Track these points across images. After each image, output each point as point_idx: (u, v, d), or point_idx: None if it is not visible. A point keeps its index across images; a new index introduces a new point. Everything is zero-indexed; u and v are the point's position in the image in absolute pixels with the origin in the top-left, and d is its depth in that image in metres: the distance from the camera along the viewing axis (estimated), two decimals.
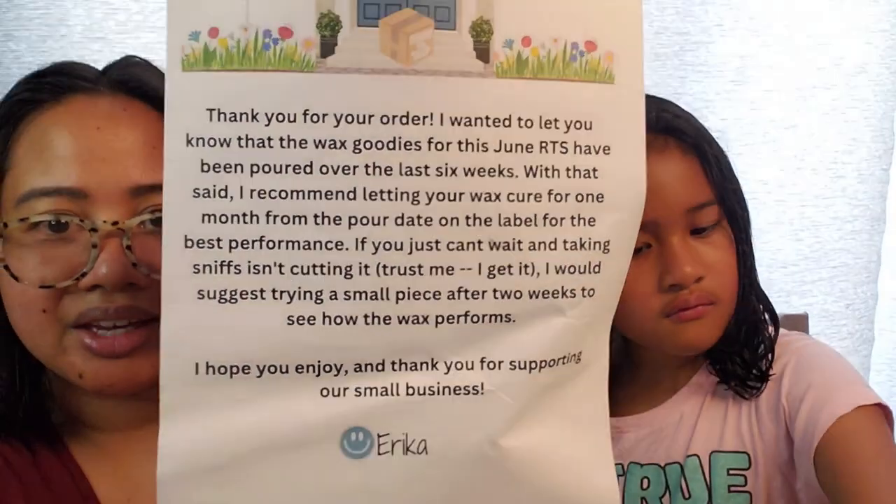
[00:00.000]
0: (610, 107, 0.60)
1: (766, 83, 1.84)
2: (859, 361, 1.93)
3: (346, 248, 0.58)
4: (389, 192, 0.57)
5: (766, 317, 1.09)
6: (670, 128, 1.02)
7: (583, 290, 0.63)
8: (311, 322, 0.59)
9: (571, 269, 0.62)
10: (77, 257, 0.81)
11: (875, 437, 0.97)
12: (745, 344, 1.06)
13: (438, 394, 0.61)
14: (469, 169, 0.57)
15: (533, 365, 0.62)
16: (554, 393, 0.63)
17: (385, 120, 0.57)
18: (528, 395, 0.62)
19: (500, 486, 0.62)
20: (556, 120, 0.58)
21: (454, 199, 0.57)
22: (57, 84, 0.87)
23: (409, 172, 0.57)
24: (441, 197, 0.57)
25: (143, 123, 0.85)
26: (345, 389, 0.60)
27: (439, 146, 0.57)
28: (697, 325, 1.01)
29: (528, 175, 0.58)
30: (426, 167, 0.57)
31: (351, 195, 0.57)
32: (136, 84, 0.87)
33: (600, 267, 0.63)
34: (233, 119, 0.58)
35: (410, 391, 0.61)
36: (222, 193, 0.59)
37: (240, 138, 0.58)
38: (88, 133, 0.83)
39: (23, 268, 0.82)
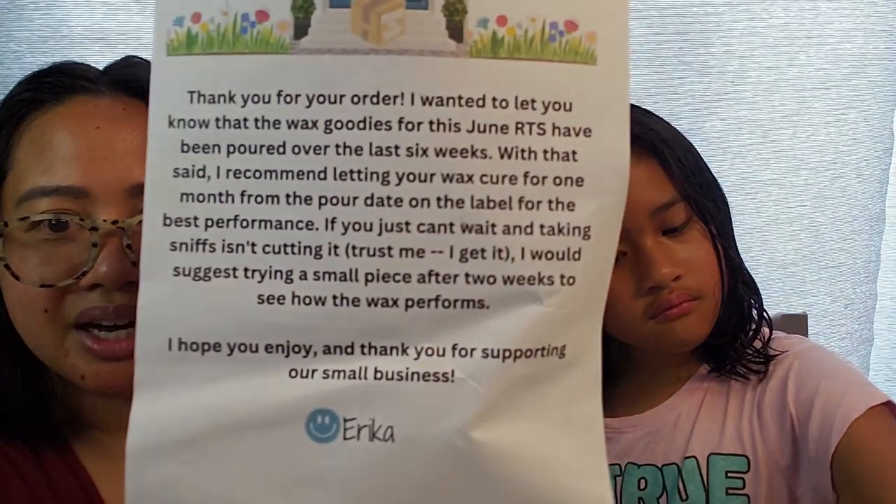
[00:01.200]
0: (591, 88, 0.58)
1: (765, 84, 1.85)
2: (858, 361, 1.93)
3: (317, 228, 0.58)
4: (360, 171, 0.57)
5: (753, 301, 1.11)
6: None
7: (561, 277, 0.61)
8: (281, 302, 0.59)
9: (549, 255, 0.60)
10: (77, 256, 0.82)
11: (891, 436, 0.99)
12: (737, 331, 1.08)
13: (407, 379, 0.60)
14: (440, 149, 0.57)
15: (507, 353, 0.60)
16: (534, 388, 0.61)
17: (355, 100, 0.57)
18: (501, 385, 0.60)
19: (471, 481, 0.60)
20: (532, 101, 0.58)
21: (425, 180, 0.57)
22: (58, 84, 0.88)
23: (379, 152, 0.57)
24: (412, 178, 0.57)
25: (142, 123, 0.85)
26: (313, 371, 0.60)
27: (410, 126, 0.57)
28: (685, 320, 1.03)
29: (502, 157, 0.58)
30: (396, 147, 0.57)
31: (322, 175, 0.57)
32: (136, 84, 0.88)
33: (580, 254, 0.61)
34: (212, 101, 0.59)
35: (378, 376, 0.60)
36: (200, 173, 0.60)
37: (217, 119, 0.59)
38: (88, 133, 0.84)
39: (24, 267, 0.83)
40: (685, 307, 1.02)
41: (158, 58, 0.60)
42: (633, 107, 1.07)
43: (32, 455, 0.89)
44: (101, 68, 0.92)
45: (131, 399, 0.85)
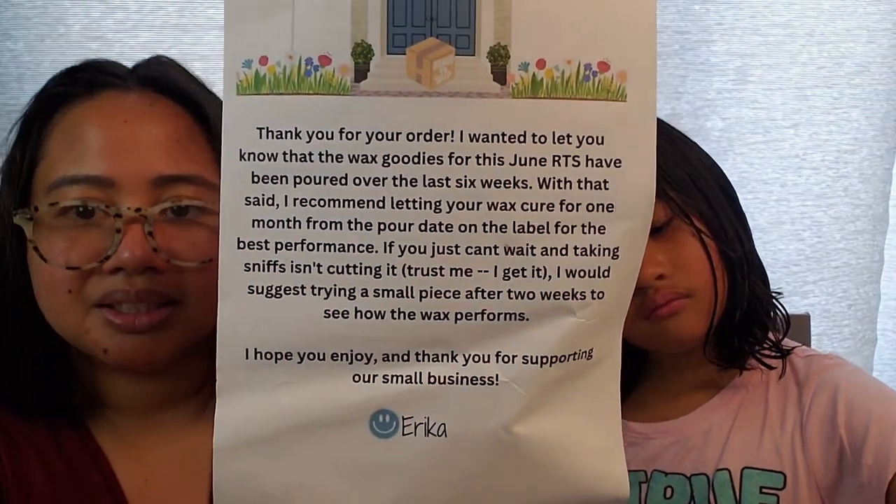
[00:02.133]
0: (621, 123, 0.67)
1: (767, 82, 1.88)
2: (861, 362, 1.97)
3: (376, 251, 0.68)
4: (414, 201, 0.65)
5: (763, 293, 1.13)
6: None
7: (592, 292, 0.70)
8: (345, 316, 0.69)
9: (581, 273, 0.70)
10: (102, 242, 0.88)
11: None
12: (746, 325, 1.10)
13: (457, 383, 0.70)
14: (486, 181, 0.65)
15: (544, 360, 0.70)
16: (566, 386, 0.71)
17: (410, 137, 0.65)
18: (539, 387, 0.70)
19: (514, 469, 0.70)
20: (568, 136, 0.66)
21: (472, 208, 0.65)
22: (89, 80, 0.95)
23: (431, 184, 0.65)
24: (461, 206, 0.65)
25: (168, 118, 0.92)
26: (374, 376, 0.70)
27: (459, 160, 0.65)
28: (677, 319, 1.06)
29: (541, 186, 0.66)
30: (447, 179, 0.65)
31: (380, 204, 0.66)
32: (163, 81, 0.95)
33: (609, 271, 0.71)
34: (279, 136, 0.67)
35: (432, 380, 0.70)
36: (270, 202, 0.68)
37: (285, 153, 0.68)
38: (116, 126, 0.91)
39: (51, 250, 0.89)
40: (674, 306, 1.05)
41: (229, 97, 0.67)
42: None
43: (51, 434, 0.96)
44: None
45: (149, 381, 0.92)
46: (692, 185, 1.09)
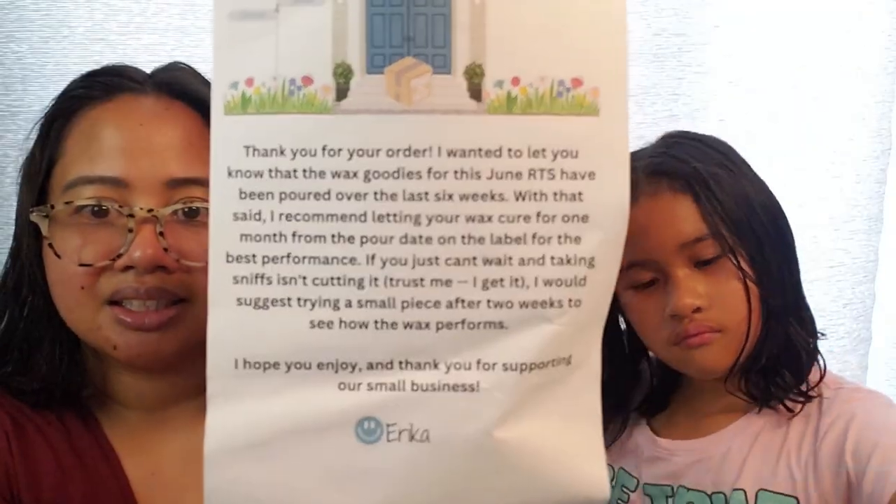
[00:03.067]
0: (595, 136, 0.69)
1: (763, 84, 1.89)
2: (857, 361, 1.98)
3: (359, 264, 0.70)
4: (395, 214, 0.68)
5: (803, 341, 1.16)
6: (661, 171, 1.13)
7: (569, 300, 0.73)
8: (330, 327, 0.72)
9: (559, 283, 0.73)
10: (115, 240, 0.93)
11: None
12: (776, 367, 1.14)
13: (439, 390, 0.73)
14: (464, 194, 0.68)
15: (524, 367, 0.73)
16: (545, 391, 0.74)
17: (390, 153, 0.67)
18: (519, 393, 0.73)
19: (496, 473, 0.73)
20: (543, 150, 0.68)
21: (451, 221, 0.68)
22: (108, 83, 1.00)
23: (411, 198, 0.68)
24: (440, 219, 0.68)
25: (182, 122, 0.96)
26: (359, 384, 0.73)
27: (437, 175, 0.67)
28: (705, 350, 1.11)
29: (517, 199, 0.68)
30: (426, 193, 0.68)
31: (362, 218, 0.69)
32: (179, 86, 1.00)
33: (586, 280, 0.73)
34: (265, 154, 0.70)
35: (415, 387, 0.73)
36: (257, 217, 0.72)
37: (270, 170, 0.71)
38: (132, 128, 0.96)
39: (66, 247, 0.94)
40: (704, 338, 1.10)
41: (217, 116, 0.70)
42: (690, 139, 1.19)
43: (61, 425, 1.00)
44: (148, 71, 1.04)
45: (157, 377, 0.95)
46: (748, 227, 1.12)
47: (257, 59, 0.70)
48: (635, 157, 1.13)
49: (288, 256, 0.71)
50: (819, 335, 1.18)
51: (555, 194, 0.69)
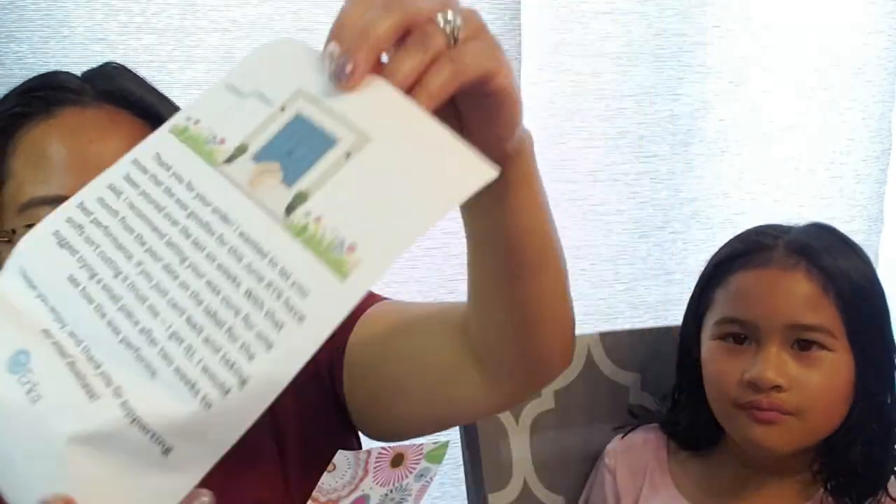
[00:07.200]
0: (329, 299, 0.63)
1: (763, 84, 1.90)
2: None
3: (137, 261, 0.71)
4: (180, 250, 0.69)
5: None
6: (806, 252, 1.13)
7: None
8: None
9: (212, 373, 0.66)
10: None
11: None
12: (853, 463, 1.14)
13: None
14: (220, 266, 0.67)
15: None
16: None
17: (214, 211, 0.69)
18: None
19: None
20: (290, 273, 0.63)
21: (199, 277, 0.67)
22: (47, 98, 0.97)
23: (195, 245, 0.68)
24: (194, 272, 0.67)
25: (129, 133, 0.94)
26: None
27: (221, 244, 0.68)
28: (768, 428, 1.11)
29: (245, 296, 0.65)
30: (207, 250, 0.69)
31: (166, 236, 0.71)
32: (120, 94, 0.98)
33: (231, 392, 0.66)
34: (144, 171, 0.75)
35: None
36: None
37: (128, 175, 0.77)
38: (82, 145, 0.94)
39: None
40: (772, 416, 1.10)
41: (163, 128, 0.74)
42: (844, 241, 1.17)
43: None
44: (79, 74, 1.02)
45: None
46: (862, 341, 1.13)
47: (215, 112, 0.74)
48: (780, 229, 1.16)
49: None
50: None
51: (268, 312, 0.67)
